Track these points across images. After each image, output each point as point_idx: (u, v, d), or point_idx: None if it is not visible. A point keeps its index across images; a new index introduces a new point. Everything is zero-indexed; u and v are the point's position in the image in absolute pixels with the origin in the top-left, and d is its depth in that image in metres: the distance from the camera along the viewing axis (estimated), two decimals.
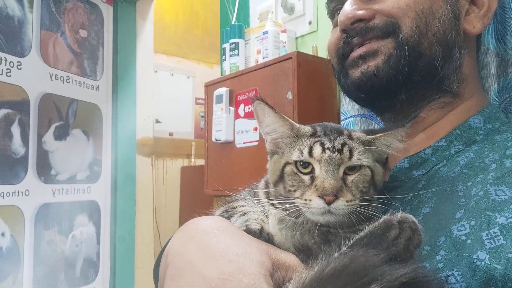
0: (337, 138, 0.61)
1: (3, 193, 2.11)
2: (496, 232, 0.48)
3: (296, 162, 0.61)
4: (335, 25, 0.80)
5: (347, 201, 0.57)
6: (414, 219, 0.51)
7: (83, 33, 2.70)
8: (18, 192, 2.20)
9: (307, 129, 0.65)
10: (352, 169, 0.60)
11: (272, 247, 0.55)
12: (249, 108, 1.54)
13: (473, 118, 0.71)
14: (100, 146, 2.77)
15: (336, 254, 0.49)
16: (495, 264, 0.46)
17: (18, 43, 2.26)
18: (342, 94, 1.40)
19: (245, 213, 0.63)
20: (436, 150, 0.71)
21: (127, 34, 3.05)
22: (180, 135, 3.67)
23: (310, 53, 1.56)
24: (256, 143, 1.50)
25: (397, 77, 0.70)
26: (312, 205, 0.57)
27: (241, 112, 1.57)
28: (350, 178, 0.60)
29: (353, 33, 0.73)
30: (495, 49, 0.95)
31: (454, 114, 0.73)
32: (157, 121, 3.44)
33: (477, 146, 0.66)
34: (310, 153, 0.60)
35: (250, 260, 0.49)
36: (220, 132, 1.61)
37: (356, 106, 1.23)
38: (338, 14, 0.78)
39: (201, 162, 3.56)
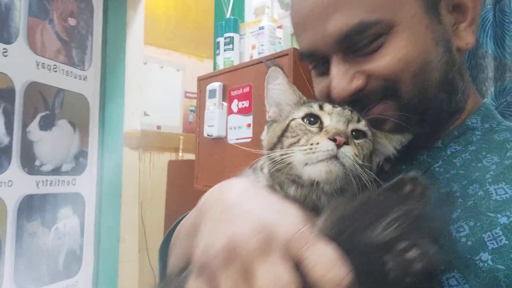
0: (346, 105, 0.63)
1: None
2: (498, 233, 0.48)
3: (304, 116, 0.61)
4: (318, 75, 0.75)
5: (354, 153, 0.55)
6: (425, 177, 0.52)
7: (72, 22, 2.64)
8: (1, 182, 2.15)
9: (313, 100, 0.66)
10: (357, 136, 0.60)
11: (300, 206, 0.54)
12: (243, 104, 1.52)
13: (470, 118, 0.70)
14: (87, 138, 2.71)
15: (356, 198, 0.51)
16: (498, 265, 0.46)
17: (5, 30, 2.20)
18: None
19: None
20: (431, 151, 0.70)
21: (117, 24, 3.00)
22: (168, 129, 3.63)
23: None
24: (249, 140, 1.49)
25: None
26: (320, 148, 0.54)
27: (234, 107, 1.55)
28: (357, 141, 0.60)
29: (352, 103, 0.67)
30: (493, 53, 0.95)
31: (461, 119, 0.72)
32: (145, 114, 3.39)
33: (473, 147, 0.65)
34: (321, 108, 0.61)
35: (290, 206, 0.48)
36: (212, 127, 1.59)
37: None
38: (318, 67, 0.73)
39: (188, 156, 3.53)
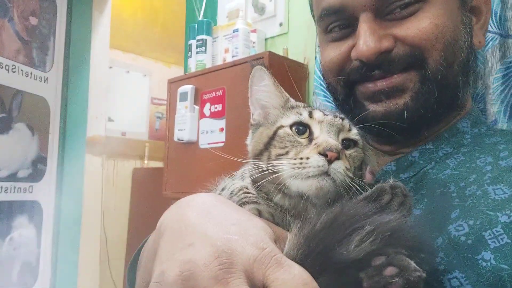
0: (336, 112, 0.60)
1: None
2: (499, 231, 0.47)
3: (292, 125, 0.57)
4: (333, 40, 0.73)
5: (345, 167, 0.52)
6: (404, 186, 0.50)
7: (33, 21, 2.52)
8: None
9: (301, 103, 0.63)
10: (348, 146, 0.58)
11: (270, 223, 0.50)
12: (215, 108, 1.48)
13: (460, 122, 0.70)
14: (46, 143, 2.58)
15: (327, 211, 0.46)
16: (502, 264, 0.45)
17: None
18: (314, 97, 1.38)
19: (223, 188, 0.59)
20: (423, 152, 0.69)
21: (82, 26, 2.90)
22: (134, 135, 3.53)
23: (281, 54, 1.53)
24: (221, 144, 1.45)
25: (426, 114, 0.66)
26: (310, 163, 0.51)
27: (206, 111, 1.51)
28: (348, 152, 0.57)
29: (373, 66, 0.66)
30: None
31: (446, 121, 0.71)
32: (110, 119, 3.29)
33: (465, 149, 0.66)
34: (311, 115, 0.57)
35: (253, 224, 0.45)
36: (183, 131, 1.54)
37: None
38: (338, 29, 0.71)
39: (154, 164, 3.44)
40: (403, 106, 0.65)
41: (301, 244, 0.43)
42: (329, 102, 1.23)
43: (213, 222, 0.44)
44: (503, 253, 0.46)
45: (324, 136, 0.55)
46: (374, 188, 0.50)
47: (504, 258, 0.45)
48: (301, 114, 0.58)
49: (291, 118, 0.58)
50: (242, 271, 0.39)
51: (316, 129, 0.56)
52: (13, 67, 2.37)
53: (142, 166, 3.53)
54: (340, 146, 0.54)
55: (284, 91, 0.64)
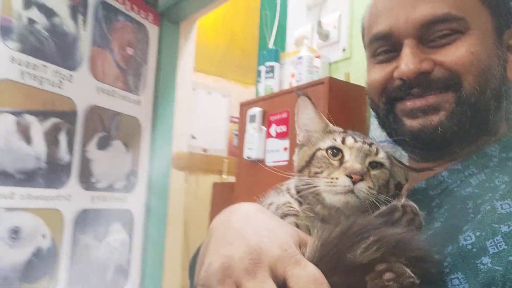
0: (366, 139, 0.69)
1: (47, 196, 2.26)
2: (499, 240, 0.52)
3: (328, 148, 0.68)
4: (379, 62, 0.81)
5: (368, 187, 0.62)
6: (415, 205, 0.59)
7: (129, 51, 2.87)
8: (61, 196, 2.34)
9: (339, 128, 0.73)
10: (374, 166, 0.67)
11: (301, 231, 0.60)
12: (280, 129, 1.60)
13: (489, 147, 0.74)
14: (138, 158, 2.91)
15: (343, 222, 0.56)
16: (496, 266, 0.51)
17: (71, 58, 2.45)
18: (371, 119, 1.44)
19: (271, 203, 0.69)
20: (452, 172, 0.74)
21: (170, 53, 3.22)
22: (214, 152, 3.77)
23: (343, 79, 1.61)
24: (285, 163, 1.56)
25: (458, 133, 0.72)
26: (338, 183, 0.62)
27: (272, 132, 1.64)
28: (373, 172, 0.66)
29: (413, 84, 0.73)
30: None
31: (477, 144, 0.76)
32: (193, 137, 3.55)
33: (489, 170, 0.70)
34: (343, 141, 0.68)
35: (283, 231, 0.56)
36: (252, 150, 1.68)
37: (384, 133, 1.27)
38: (384, 53, 0.79)
39: (232, 178, 3.62)
40: (438, 123, 0.72)
41: (318, 248, 0.53)
42: None
43: (250, 227, 0.56)
44: (499, 257, 0.51)
45: (352, 161, 0.65)
46: (388, 205, 0.59)
47: (499, 261, 0.51)
48: (335, 140, 0.68)
49: (327, 143, 0.69)
50: (268, 266, 0.50)
51: (346, 154, 0.67)
52: (113, 91, 2.72)
53: (221, 181, 3.74)
54: (365, 170, 0.64)
55: (323, 117, 0.74)
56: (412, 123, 0.75)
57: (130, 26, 2.89)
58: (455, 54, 0.70)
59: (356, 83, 1.58)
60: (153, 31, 3.07)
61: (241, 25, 3.99)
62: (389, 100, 0.79)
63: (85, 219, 2.49)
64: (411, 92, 0.74)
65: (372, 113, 1.37)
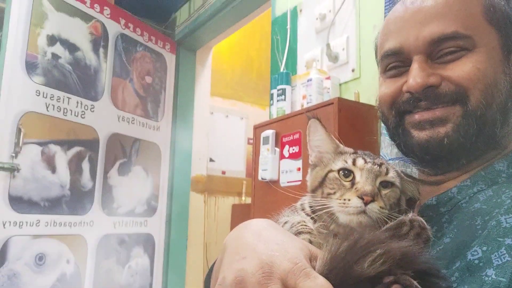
0: (377, 159, 0.72)
1: (71, 223, 2.33)
2: (503, 252, 0.54)
3: (339, 170, 0.70)
4: (390, 77, 0.84)
5: (380, 207, 0.65)
6: (423, 220, 0.60)
7: (148, 79, 2.98)
8: (84, 222, 2.41)
9: (349, 149, 0.76)
10: (385, 186, 0.69)
11: (311, 245, 0.62)
12: (293, 149, 1.63)
13: (497, 162, 0.76)
14: (158, 182, 2.98)
15: (350, 237, 0.58)
16: (500, 277, 0.52)
17: (93, 89, 2.56)
18: (382, 137, 1.46)
19: (286, 222, 0.71)
20: (461, 189, 0.76)
21: (187, 79, 3.32)
22: (232, 174, 3.81)
23: (353, 98, 1.64)
24: (299, 183, 1.58)
25: (465, 145, 0.73)
26: (351, 204, 0.65)
27: (285, 153, 1.67)
28: (384, 192, 0.68)
29: (421, 97, 0.76)
30: None
31: (490, 161, 0.77)
32: (211, 160, 3.61)
33: (496, 186, 0.71)
34: (354, 163, 0.70)
35: (293, 245, 0.58)
36: (266, 171, 1.71)
37: (395, 150, 1.28)
38: (395, 69, 0.82)
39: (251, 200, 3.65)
40: (444, 134, 0.73)
41: (327, 262, 0.55)
42: None
43: (262, 241, 0.59)
44: (503, 269, 0.52)
45: (363, 182, 0.67)
46: (396, 220, 0.62)
47: (503, 273, 0.52)
48: (346, 162, 0.71)
49: (339, 164, 0.71)
50: (279, 279, 0.52)
51: (357, 175, 0.69)
52: (133, 119, 2.82)
53: (240, 202, 3.77)
54: (375, 190, 0.66)
55: (334, 138, 0.77)
56: (419, 135, 0.77)
57: (149, 55, 3.01)
58: (462, 69, 0.73)
59: (366, 102, 1.60)
60: (170, 59, 3.18)
61: (256, 49, 4.08)
62: (398, 113, 0.81)
63: (107, 244, 2.55)
64: (419, 105, 0.77)
65: (383, 131, 1.39)
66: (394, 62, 0.82)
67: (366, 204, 0.64)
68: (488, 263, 0.54)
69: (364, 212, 0.64)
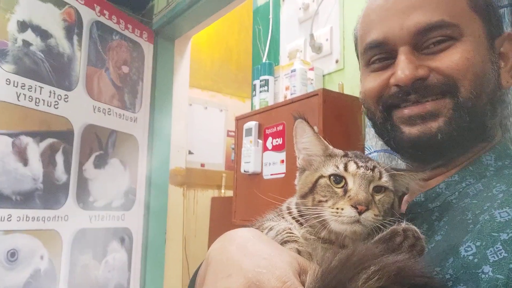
0: (369, 161, 0.68)
1: (44, 217, 2.24)
2: (499, 247, 0.52)
3: (330, 176, 0.67)
4: (374, 71, 0.80)
5: (374, 215, 0.62)
6: (417, 229, 0.57)
7: (125, 69, 2.89)
8: (58, 217, 2.33)
9: (339, 151, 0.72)
10: (379, 190, 0.66)
11: (299, 256, 0.59)
12: (277, 141, 1.60)
13: (484, 155, 0.74)
14: (135, 175, 2.90)
15: (342, 251, 0.54)
16: (498, 274, 0.50)
17: (66, 78, 2.46)
18: (366, 129, 1.44)
19: (271, 228, 0.67)
20: (449, 184, 0.74)
21: (165, 70, 3.24)
22: (212, 166, 3.77)
23: (337, 90, 1.62)
24: (282, 175, 1.55)
25: (457, 138, 0.71)
26: (344, 213, 0.61)
27: (269, 145, 1.64)
28: (377, 197, 0.65)
29: (410, 90, 0.73)
30: None
31: (477, 155, 0.76)
32: (190, 152, 3.56)
33: (486, 179, 0.70)
34: (346, 168, 0.66)
35: (281, 260, 0.54)
36: (249, 163, 1.68)
37: (380, 142, 1.27)
38: (379, 62, 0.79)
39: (231, 193, 3.62)
40: (437, 129, 0.71)
41: (318, 279, 0.51)
42: None
43: (248, 256, 0.55)
44: (500, 265, 0.50)
45: (356, 189, 0.64)
46: (388, 230, 0.58)
47: (500, 270, 0.50)
48: (338, 167, 0.67)
49: (329, 169, 0.67)
50: None
51: (350, 181, 0.65)
52: (109, 110, 2.73)
53: (219, 195, 3.73)
54: (369, 198, 0.63)
55: (323, 139, 0.72)
56: (411, 130, 0.74)
57: (125, 44, 2.92)
58: (451, 59, 0.71)
59: (350, 93, 1.59)
60: (148, 48, 3.09)
61: (236, 40, 4.03)
62: (385, 107, 0.78)
63: (83, 239, 2.47)
64: (408, 98, 0.74)
65: (368, 122, 1.37)
66: (378, 54, 0.78)
67: (360, 213, 0.61)
68: (484, 259, 0.53)
69: (358, 221, 0.61)
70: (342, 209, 0.62)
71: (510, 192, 0.61)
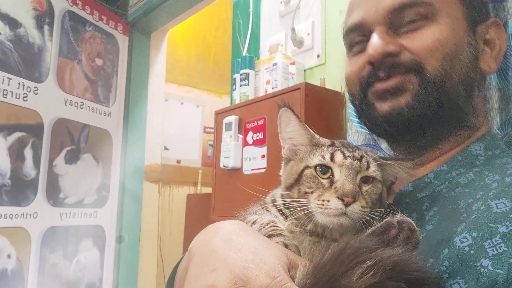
0: (356, 151, 0.66)
1: (12, 214, 2.14)
2: (498, 241, 0.51)
3: (316, 166, 0.64)
4: (355, 54, 0.82)
5: (362, 207, 0.60)
6: (412, 221, 0.55)
7: (98, 62, 2.80)
8: (27, 214, 2.23)
9: (325, 140, 0.70)
10: (366, 181, 0.64)
11: (288, 250, 0.56)
12: (257, 136, 1.58)
13: (473, 145, 0.74)
14: (109, 171, 2.81)
15: (334, 244, 0.51)
16: (497, 269, 0.49)
17: (36, 70, 2.36)
18: (348, 124, 1.44)
19: (254, 222, 0.64)
20: (438, 174, 0.74)
21: (141, 64, 3.16)
22: (188, 163, 3.71)
23: (318, 84, 1.61)
24: (263, 170, 1.53)
25: (426, 114, 0.71)
26: (330, 206, 0.59)
27: (249, 139, 1.61)
28: (365, 188, 0.63)
29: (380, 66, 0.74)
30: (497, 84, 0.99)
31: (465, 144, 0.75)
32: (166, 148, 3.49)
33: (477, 168, 0.69)
34: (332, 159, 0.64)
35: (269, 253, 0.51)
36: (228, 158, 1.65)
37: (362, 136, 1.26)
38: (358, 45, 0.80)
39: (207, 190, 3.58)
40: (405, 104, 0.72)
41: (310, 274, 0.48)
42: (363, 128, 1.27)
43: (234, 250, 0.52)
44: (500, 259, 0.49)
45: (342, 181, 0.61)
46: (382, 222, 0.56)
47: (500, 264, 0.49)
48: (324, 157, 0.64)
49: (315, 160, 0.65)
50: None
51: (336, 172, 0.63)
52: (81, 103, 2.63)
53: (195, 192, 3.68)
54: (356, 189, 0.61)
55: (309, 128, 0.70)
56: (382, 106, 0.75)
57: (99, 36, 2.82)
58: (421, 39, 0.72)
59: (332, 88, 1.58)
60: (123, 41, 3.00)
61: (213, 36, 3.97)
62: (362, 87, 0.79)
63: (53, 237, 2.38)
64: (378, 74, 0.75)
65: (350, 117, 1.36)
66: (357, 37, 0.80)
67: (347, 205, 0.58)
68: (482, 251, 0.51)
69: (344, 213, 0.58)
70: (328, 201, 0.59)
71: (505, 182, 0.60)
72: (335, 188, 0.61)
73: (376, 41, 0.73)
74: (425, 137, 0.74)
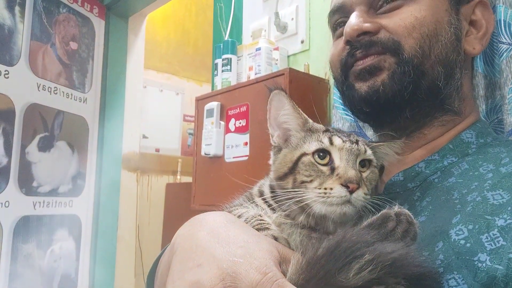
0: (350, 135, 0.64)
1: None
2: (496, 234, 0.49)
3: (314, 152, 0.61)
4: (338, 37, 0.81)
5: (364, 193, 0.57)
6: (410, 213, 0.53)
7: (73, 45, 2.69)
8: None
9: (320, 125, 0.67)
10: (364, 165, 0.62)
11: (279, 243, 0.53)
12: (240, 123, 1.54)
13: (465, 133, 0.73)
14: (85, 159, 2.72)
15: (330, 237, 0.49)
16: (496, 265, 0.47)
17: (7, 52, 2.24)
18: (333, 110, 1.41)
19: (240, 216, 0.61)
20: (429, 163, 0.72)
21: (118, 49, 3.06)
22: (167, 151, 3.64)
23: (302, 71, 1.57)
24: (245, 158, 1.49)
25: (402, 93, 0.70)
26: (333, 194, 0.56)
27: (231, 126, 1.57)
28: (365, 174, 0.61)
29: (358, 45, 0.73)
30: (483, 71, 0.98)
31: (453, 131, 0.74)
32: (144, 137, 3.41)
33: (470, 158, 0.68)
34: (331, 142, 0.61)
35: (259, 247, 0.48)
36: (210, 146, 1.60)
37: (347, 123, 1.24)
38: (341, 26, 0.79)
39: (186, 179, 3.53)
40: (381, 83, 0.71)
41: (303, 269, 0.45)
42: (348, 115, 1.26)
43: (221, 244, 0.48)
44: (498, 254, 0.48)
45: (344, 166, 0.58)
46: (379, 214, 0.53)
47: (499, 259, 0.47)
48: (322, 142, 0.61)
49: (313, 145, 0.62)
50: None
51: (336, 157, 0.60)
52: (55, 89, 2.53)
53: (175, 181, 3.62)
54: (359, 175, 0.58)
55: (302, 112, 0.67)
56: (361, 86, 0.74)
57: (74, 19, 2.71)
58: (399, 17, 0.71)
59: (316, 74, 1.55)
60: (99, 25, 2.89)
61: (193, 22, 3.89)
62: (343, 69, 0.78)
63: (26, 227, 2.29)
64: (355, 53, 0.74)
65: (334, 104, 1.34)
66: (339, 18, 0.80)
67: (351, 192, 0.55)
68: (479, 245, 0.49)
69: (349, 201, 0.55)
70: (331, 188, 0.56)
71: (500, 172, 0.58)
72: (337, 174, 0.57)
73: (353, 19, 0.73)
74: (404, 119, 0.73)
